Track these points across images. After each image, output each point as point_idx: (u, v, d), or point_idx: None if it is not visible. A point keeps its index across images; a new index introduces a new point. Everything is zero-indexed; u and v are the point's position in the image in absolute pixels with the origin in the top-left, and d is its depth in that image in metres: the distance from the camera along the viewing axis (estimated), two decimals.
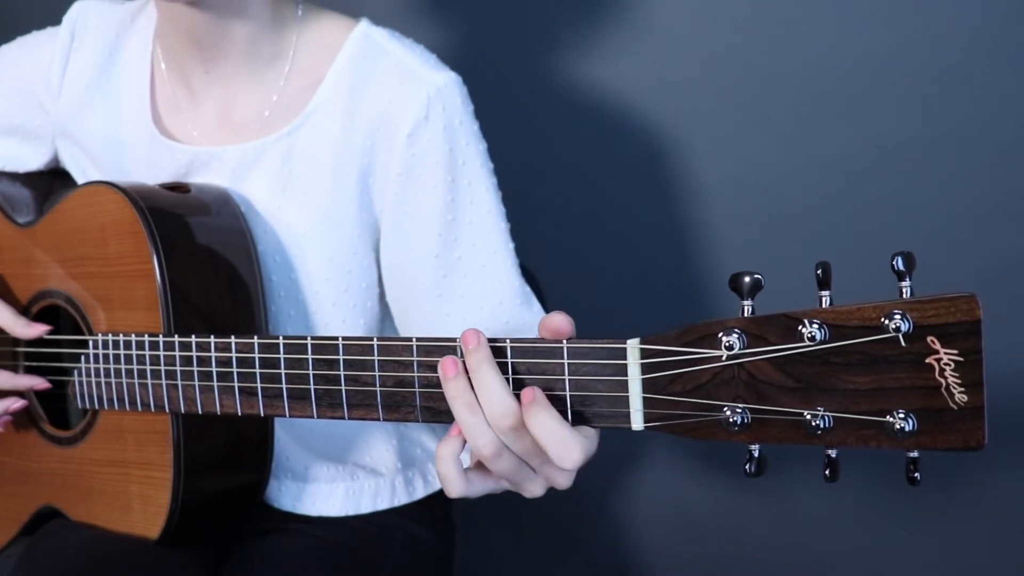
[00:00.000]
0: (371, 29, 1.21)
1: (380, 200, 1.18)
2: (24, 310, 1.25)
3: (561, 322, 0.82)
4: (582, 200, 1.64)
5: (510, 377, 0.82)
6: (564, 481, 0.85)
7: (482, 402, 0.81)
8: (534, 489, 0.87)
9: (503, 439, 0.82)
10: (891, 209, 1.50)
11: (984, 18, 1.44)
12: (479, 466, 0.87)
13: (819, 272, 0.72)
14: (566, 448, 0.80)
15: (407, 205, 1.17)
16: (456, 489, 0.85)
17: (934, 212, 1.49)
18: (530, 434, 0.81)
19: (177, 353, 1.02)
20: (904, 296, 0.69)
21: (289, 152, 1.19)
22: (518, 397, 0.81)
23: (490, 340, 0.83)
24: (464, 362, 0.83)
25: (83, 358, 1.13)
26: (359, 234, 1.19)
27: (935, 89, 1.47)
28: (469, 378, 0.82)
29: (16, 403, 1.22)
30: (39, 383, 1.21)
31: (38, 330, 1.20)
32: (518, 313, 1.18)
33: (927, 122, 1.48)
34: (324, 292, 1.19)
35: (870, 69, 1.49)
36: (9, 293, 1.27)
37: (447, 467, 0.84)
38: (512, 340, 0.83)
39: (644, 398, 0.78)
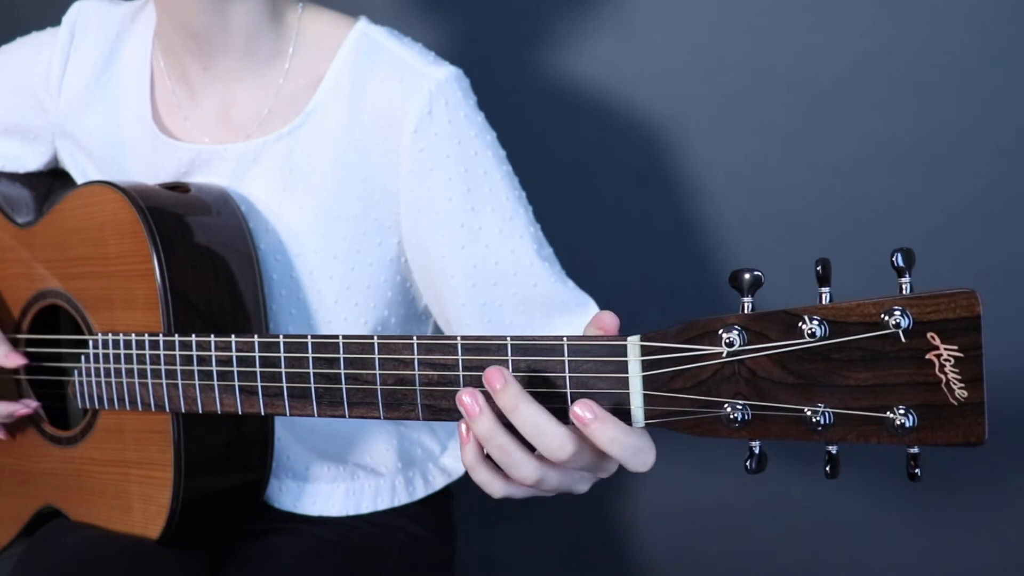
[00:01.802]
0: (369, 27, 1.21)
1: (391, 201, 1.18)
2: (24, 310, 1.25)
3: (610, 321, 0.83)
4: (582, 198, 1.64)
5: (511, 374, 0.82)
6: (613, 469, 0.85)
7: (533, 440, 0.80)
8: (582, 488, 0.87)
9: (569, 466, 0.82)
10: (891, 209, 1.50)
11: (984, 18, 1.44)
12: None
13: (819, 269, 0.72)
14: (642, 456, 0.80)
15: (424, 202, 1.17)
16: (497, 490, 0.85)
17: (934, 212, 1.49)
18: (590, 449, 0.80)
19: (177, 352, 1.01)
20: (904, 292, 0.69)
21: (290, 151, 1.19)
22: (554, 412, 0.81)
23: (490, 337, 0.84)
24: (485, 395, 0.81)
25: (83, 358, 1.13)
26: (364, 232, 1.19)
27: (935, 89, 1.47)
28: (497, 413, 0.81)
29: (23, 409, 1.22)
30: (18, 408, 1.23)
31: (16, 361, 1.21)
32: (554, 291, 1.18)
33: (927, 122, 1.48)
34: (326, 290, 1.19)
35: (870, 69, 1.49)
36: (9, 293, 1.27)
37: (480, 475, 0.84)
38: (513, 337, 0.83)
39: (645, 395, 0.78)
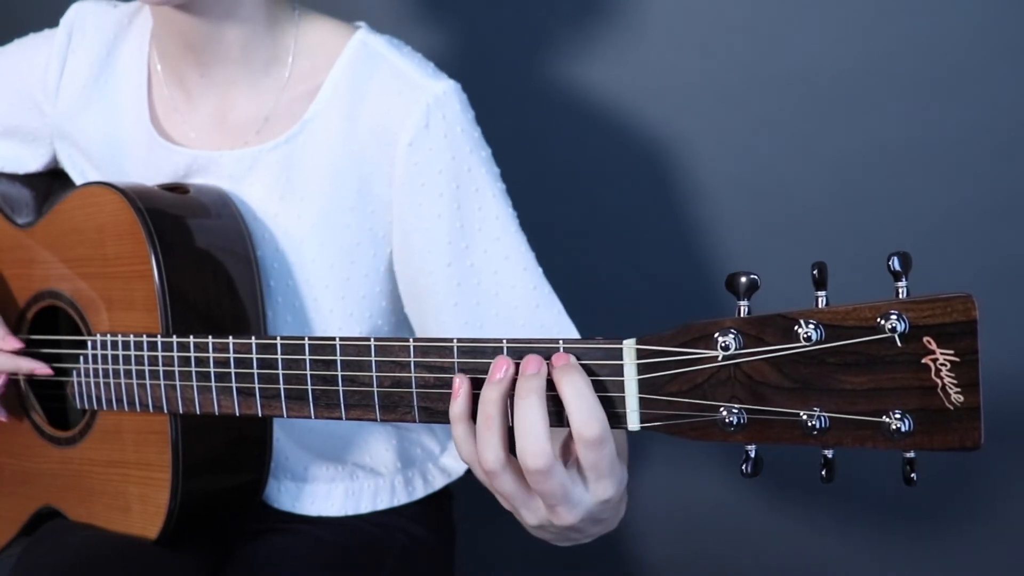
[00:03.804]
0: (369, 36, 1.20)
1: (385, 212, 1.18)
2: (23, 311, 1.25)
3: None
4: (578, 200, 1.64)
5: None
6: (567, 516, 0.83)
7: (519, 433, 0.80)
8: (527, 515, 0.86)
9: (529, 479, 0.81)
10: (890, 209, 1.50)
11: (984, 18, 1.44)
12: None
13: (815, 272, 0.72)
14: (590, 414, 0.78)
15: (414, 216, 1.16)
16: (465, 452, 0.84)
17: (934, 212, 1.48)
18: (558, 482, 0.80)
19: (175, 354, 1.02)
20: (900, 296, 0.69)
21: (287, 160, 1.18)
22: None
23: (486, 340, 0.84)
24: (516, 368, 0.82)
25: (82, 358, 1.13)
26: (359, 243, 1.19)
27: (935, 89, 1.47)
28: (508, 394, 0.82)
29: (42, 368, 1.20)
30: (39, 367, 1.20)
31: (12, 344, 1.20)
32: (535, 317, 1.17)
33: (927, 122, 1.48)
34: (322, 299, 1.19)
35: (870, 69, 1.49)
36: (8, 294, 1.27)
37: (458, 429, 0.84)
38: (508, 340, 0.83)
39: (640, 398, 0.78)
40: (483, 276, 1.16)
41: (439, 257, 1.16)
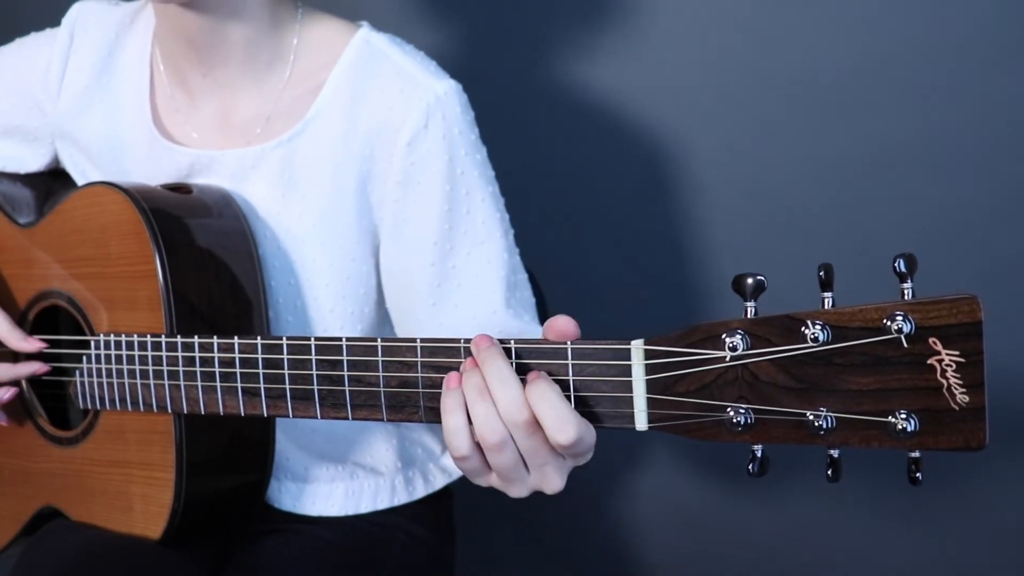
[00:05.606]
0: (371, 35, 1.21)
1: (379, 208, 1.18)
2: (25, 311, 1.25)
3: (565, 324, 0.83)
4: (585, 202, 1.64)
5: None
6: (558, 482, 0.85)
7: (495, 396, 0.81)
8: (520, 491, 0.87)
9: (512, 433, 0.82)
10: (891, 209, 1.51)
11: (984, 18, 1.45)
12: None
13: (821, 274, 0.72)
14: (564, 423, 0.79)
15: (406, 213, 1.17)
16: (462, 445, 0.84)
17: (934, 212, 1.49)
18: (539, 430, 0.81)
19: (180, 353, 1.02)
20: (906, 298, 0.69)
21: (289, 158, 1.19)
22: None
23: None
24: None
25: (84, 358, 1.13)
26: (358, 241, 1.19)
27: (935, 89, 1.47)
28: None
29: (8, 392, 1.20)
30: (39, 368, 1.19)
31: (34, 345, 1.19)
32: (509, 325, 1.18)
33: (927, 122, 1.48)
34: (323, 298, 1.19)
35: (870, 69, 1.49)
36: (10, 293, 1.27)
37: (453, 419, 0.84)
38: (516, 341, 0.83)
39: (648, 399, 0.79)
40: (464, 279, 1.17)
41: (424, 256, 1.17)
